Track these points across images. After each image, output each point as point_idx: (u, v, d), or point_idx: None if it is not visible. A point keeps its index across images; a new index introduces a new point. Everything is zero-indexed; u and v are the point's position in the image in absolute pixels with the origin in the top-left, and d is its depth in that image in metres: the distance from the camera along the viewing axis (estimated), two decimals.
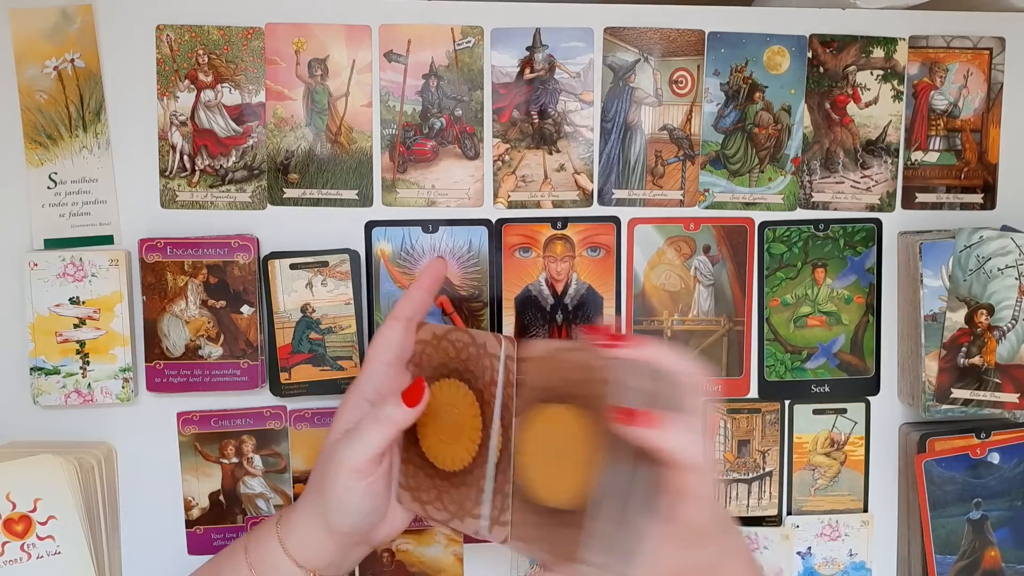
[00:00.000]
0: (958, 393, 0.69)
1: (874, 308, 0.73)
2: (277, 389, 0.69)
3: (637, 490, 0.50)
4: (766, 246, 0.72)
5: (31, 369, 0.67)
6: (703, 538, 0.52)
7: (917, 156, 0.73)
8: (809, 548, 0.73)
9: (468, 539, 0.72)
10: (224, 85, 0.68)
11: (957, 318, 0.69)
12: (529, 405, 0.53)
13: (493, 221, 0.70)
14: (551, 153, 0.70)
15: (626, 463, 0.50)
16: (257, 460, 0.70)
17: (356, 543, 0.60)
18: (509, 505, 0.54)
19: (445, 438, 0.57)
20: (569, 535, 0.51)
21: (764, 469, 0.73)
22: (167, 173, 0.68)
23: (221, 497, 0.70)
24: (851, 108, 0.72)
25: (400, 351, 0.59)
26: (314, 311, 0.69)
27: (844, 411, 0.73)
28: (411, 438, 0.59)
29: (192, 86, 0.68)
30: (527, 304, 0.71)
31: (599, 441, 0.50)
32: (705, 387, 0.54)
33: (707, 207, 0.72)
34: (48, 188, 0.67)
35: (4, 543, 0.61)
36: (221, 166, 0.68)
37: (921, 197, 0.73)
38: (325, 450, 0.59)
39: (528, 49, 0.69)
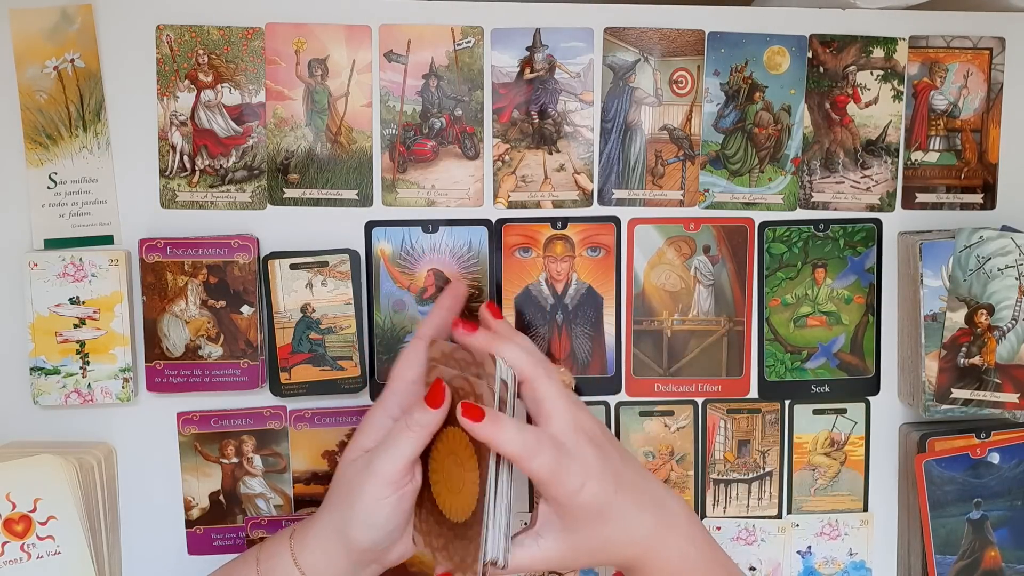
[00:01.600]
0: (958, 393, 0.69)
1: (874, 308, 0.73)
2: (277, 389, 0.69)
3: (506, 486, 0.55)
4: (766, 246, 0.72)
5: (31, 369, 0.67)
6: (599, 515, 0.56)
7: (917, 156, 0.73)
8: (809, 547, 0.73)
9: None
10: (224, 85, 0.68)
11: (957, 318, 0.69)
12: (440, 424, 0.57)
13: (493, 221, 0.70)
14: (551, 153, 0.70)
15: (490, 462, 0.54)
16: (257, 460, 0.70)
17: (370, 561, 0.60)
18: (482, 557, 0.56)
19: (452, 488, 0.58)
20: (466, 547, 0.55)
21: (764, 469, 0.73)
22: (167, 173, 0.68)
23: (221, 497, 0.70)
24: (851, 108, 0.72)
25: (422, 371, 0.61)
26: (314, 311, 0.69)
27: (844, 411, 0.73)
28: (424, 480, 0.59)
29: (192, 86, 0.68)
30: (527, 304, 0.71)
31: (475, 448, 0.55)
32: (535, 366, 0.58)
33: (707, 207, 0.72)
34: (48, 188, 0.67)
35: (4, 543, 0.61)
36: (221, 166, 0.68)
37: (921, 197, 0.73)
38: (346, 467, 0.59)
39: (528, 49, 0.69)
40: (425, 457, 0.59)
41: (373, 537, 0.57)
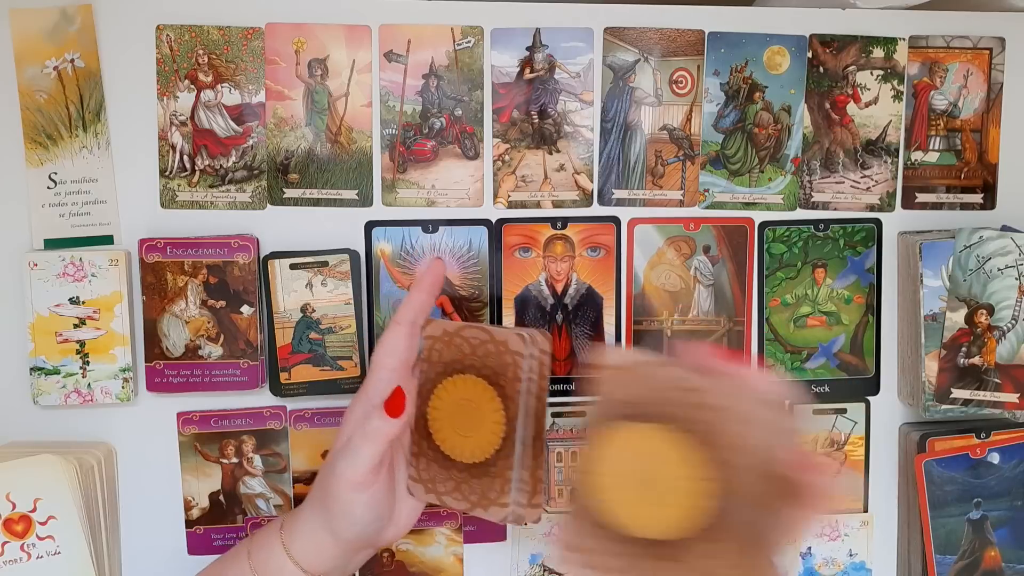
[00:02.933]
0: (958, 393, 0.69)
1: (874, 308, 0.73)
2: (277, 389, 0.69)
3: (765, 520, 0.46)
4: (766, 246, 0.72)
5: (31, 369, 0.67)
6: None
7: (917, 156, 0.73)
8: (809, 548, 0.73)
9: (468, 539, 0.72)
10: (224, 85, 0.68)
11: (957, 318, 0.69)
12: (607, 420, 0.48)
13: (493, 221, 0.70)
14: (551, 153, 0.70)
15: (750, 496, 0.45)
16: (257, 460, 0.70)
17: (360, 548, 0.60)
18: (543, 490, 0.57)
19: (462, 431, 0.58)
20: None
21: None
22: (167, 173, 0.68)
23: (221, 497, 0.70)
24: (851, 108, 0.72)
25: (405, 356, 0.60)
26: (314, 311, 0.69)
27: (844, 411, 0.73)
28: (423, 432, 0.59)
29: (192, 86, 0.68)
30: (527, 304, 0.71)
31: (709, 470, 0.45)
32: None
33: (707, 207, 0.72)
34: (48, 188, 0.67)
35: (4, 543, 0.61)
36: (221, 166, 0.68)
37: (921, 197, 0.73)
38: (329, 460, 0.59)
39: (528, 49, 0.69)
40: (422, 407, 0.60)
41: (356, 531, 0.58)
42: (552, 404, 0.71)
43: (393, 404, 0.56)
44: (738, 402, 0.45)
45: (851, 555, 0.73)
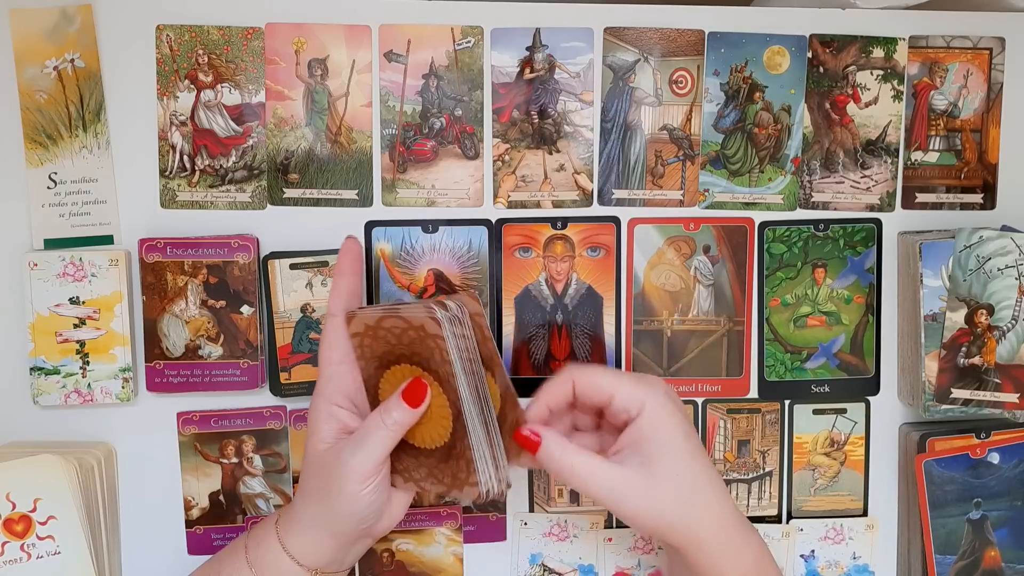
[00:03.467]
0: (958, 393, 0.69)
1: (874, 308, 0.73)
2: (277, 389, 0.69)
3: (472, 405, 0.57)
4: (766, 246, 0.72)
5: (31, 369, 0.67)
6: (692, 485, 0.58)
7: (917, 156, 0.73)
8: (812, 551, 0.73)
9: (468, 538, 0.72)
10: (224, 85, 0.68)
11: (957, 318, 0.69)
12: (379, 370, 0.59)
13: (493, 221, 0.70)
14: (551, 153, 0.70)
15: (458, 383, 0.56)
16: (257, 460, 0.70)
17: (357, 539, 0.60)
18: (502, 457, 0.59)
19: (419, 419, 0.58)
20: (455, 464, 0.58)
21: (764, 469, 0.73)
22: (167, 173, 0.68)
23: (221, 497, 0.70)
24: (851, 108, 0.72)
25: (347, 347, 0.60)
26: (314, 311, 0.69)
27: (844, 411, 0.73)
28: None
29: (192, 86, 0.68)
30: (527, 304, 0.71)
31: (434, 376, 0.57)
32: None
33: (707, 207, 0.72)
34: (48, 188, 0.67)
35: (4, 543, 0.61)
36: (221, 166, 0.68)
37: (921, 197, 0.73)
38: (314, 462, 0.59)
39: (528, 49, 0.69)
40: (373, 403, 0.61)
41: (357, 523, 0.58)
42: None
43: (413, 394, 0.57)
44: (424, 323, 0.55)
45: (855, 558, 0.73)
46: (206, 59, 0.68)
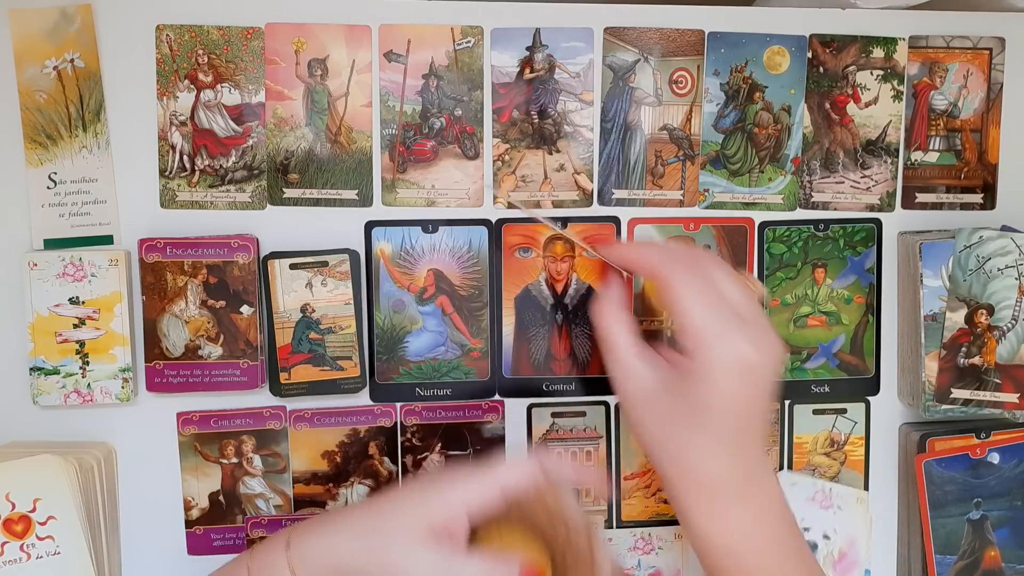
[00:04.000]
0: (958, 393, 0.69)
1: (874, 308, 0.73)
2: (277, 389, 0.69)
3: None
4: (766, 246, 0.72)
5: (31, 369, 0.67)
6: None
7: (917, 156, 0.73)
8: (814, 545, 0.73)
9: None
10: (224, 85, 0.68)
11: (957, 318, 0.69)
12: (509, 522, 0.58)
13: (493, 221, 0.70)
14: (551, 153, 0.70)
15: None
16: (257, 460, 0.70)
17: None
18: None
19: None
20: None
21: None
22: (167, 173, 0.68)
23: (221, 497, 0.70)
24: (851, 108, 0.72)
25: (475, 508, 0.56)
26: (314, 311, 0.69)
27: (844, 411, 0.73)
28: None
29: (192, 86, 0.68)
30: (527, 304, 0.71)
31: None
32: None
33: (707, 207, 0.72)
34: (48, 188, 0.67)
35: (3, 543, 0.61)
36: (221, 166, 0.68)
37: (921, 197, 0.73)
38: (390, 520, 0.55)
39: (528, 49, 0.69)
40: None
41: None
42: (552, 404, 0.71)
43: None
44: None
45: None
46: (206, 59, 0.68)
